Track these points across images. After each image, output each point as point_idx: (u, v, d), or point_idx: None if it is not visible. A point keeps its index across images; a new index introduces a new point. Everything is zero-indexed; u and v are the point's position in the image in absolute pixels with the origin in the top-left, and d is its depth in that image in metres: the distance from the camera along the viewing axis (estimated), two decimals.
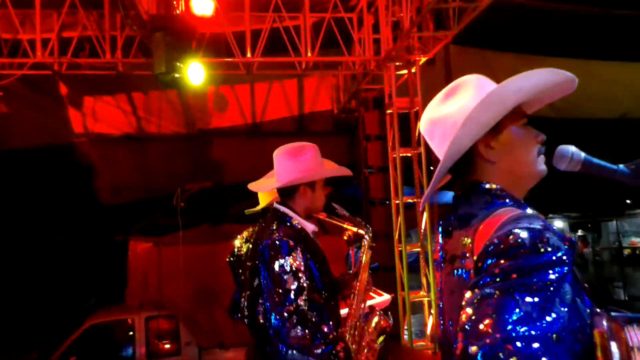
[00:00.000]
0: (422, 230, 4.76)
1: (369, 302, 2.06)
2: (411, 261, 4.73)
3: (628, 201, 18.23)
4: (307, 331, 1.75)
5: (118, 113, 6.74)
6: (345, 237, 2.28)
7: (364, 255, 2.07)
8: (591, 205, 18.02)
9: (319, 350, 1.74)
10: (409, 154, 4.85)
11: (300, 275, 1.84)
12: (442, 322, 1.06)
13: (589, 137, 7.79)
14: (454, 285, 0.98)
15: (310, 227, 2.06)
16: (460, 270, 0.96)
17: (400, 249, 4.55)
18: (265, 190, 2.19)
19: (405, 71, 4.91)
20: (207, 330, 5.46)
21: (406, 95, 4.86)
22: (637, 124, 7.10)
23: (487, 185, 1.05)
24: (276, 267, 1.83)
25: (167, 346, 5.31)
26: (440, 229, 1.12)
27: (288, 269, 1.83)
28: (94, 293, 8.91)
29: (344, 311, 2.04)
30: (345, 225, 2.22)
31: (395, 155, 4.78)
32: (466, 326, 0.82)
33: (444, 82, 5.29)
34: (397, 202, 4.69)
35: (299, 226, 2.00)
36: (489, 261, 0.87)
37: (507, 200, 1.00)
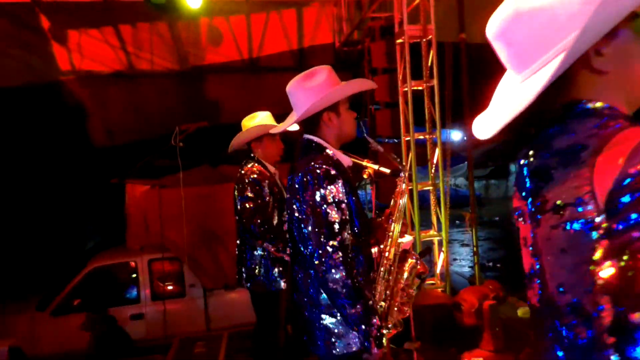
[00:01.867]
0: (433, 168, 4.58)
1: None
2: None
3: None
4: (350, 280, 1.61)
5: (106, 48, 6.31)
6: (365, 175, 2.09)
7: (400, 196, 1.87)
8: None
9: (353, 311, 1.62)
10: (421, 87, 4.56)
11: (343, 207, 1.68)
12: (540, 287, 0.86)
13: None
14: (564, 241, 0.78)
15: (346, 160, 1.86)
16: (576, 222, 0.75)
17: (410, 187, 4.37)
18: (285, 128, 1.99)
19: None
20: (211, 272, 5.39)
21: (417, 22, 4.50)
22: None
23: (592, 105, 0.82)
24: (317, 197, 1.66)
25: (172, 288, 5.26)
26: (526, 171, 0.90)
27: (330, 199, 1.66)
28: (93, 236, 8.84)
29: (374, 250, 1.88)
30: (364, 163, 2.03)
31: (406, 89, 4.49)
32: (619, 287, 0.63)
33: (458, 8, 4.92)
34: (408, 138, 4.46)
35: (335, 157, 1.80)
36: (627, 199, 0.66)
37: (621, 122, 0.77)
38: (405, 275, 1.80)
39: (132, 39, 6.34)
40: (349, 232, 1.67)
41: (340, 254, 1.61)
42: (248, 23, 6.58)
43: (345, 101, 1.85)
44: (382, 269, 1.80)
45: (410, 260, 1.82)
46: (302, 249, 1.78)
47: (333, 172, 1.70)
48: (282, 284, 2.98)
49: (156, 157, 5.61)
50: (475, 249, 4.60)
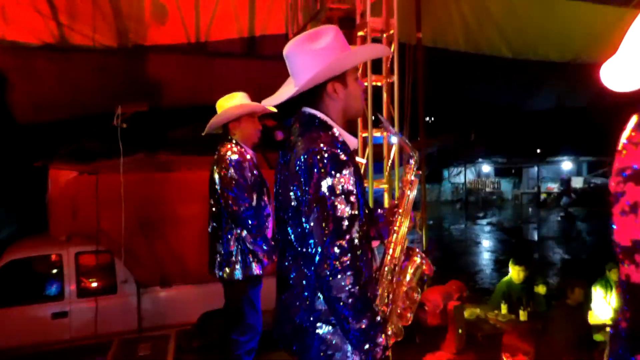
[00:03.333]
0: (388, 166, 4.49)
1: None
2: (376, 197, 4.47)
3: (538, 150, 19.50)
4: (357, 288, 1.38)
5: (35, 17, 5.67)
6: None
7: (409, 186, 1.67)
8: (515, 151, 19.02)
9: (357, 326, 1.40)
10: (380, 83, 4.46)
11: (353, 199, 1.44)
12: None
13: (538, 78, 7.85)
14: None
15: (353, 141, 1.62)
16: None
17: (366, 185, 4.25)
18: (281, 100, 1.70)
19: None
20: (147, 266, 5.00)
21: (379, 15, 4.39)
22: (583, 69, 7.16)
23: None
24: (324, 187, 1.42)
25: (101, 283, 4.80)
26: None
27: (340, 190, 1.42)
28: (7, 223, 8.00)
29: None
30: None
31: (365, 84, 4.37)
32: None
33: (416, 8, 4.84)
34: (365, 135, 4.34)
35: (342, 138, 1.56)
36: None
37: None
38: (409, 276, 1.61)
39: (65, 8, 5.74)
40: (359, 229, 1.43)
41: (348, 256, 1.37)
42: (197, 3, 6.19)
43: (354, 70, 1.62)
44: (385, 268, 1.58)
45: (415, 259, 1.62)
46: (297, 246, 1.52)
47: (343, 156, 1.45)
48: (257, 270, 2.88)
49: (90, 139, 5.12)
50: (425, 248, 4.58)
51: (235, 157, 2.86)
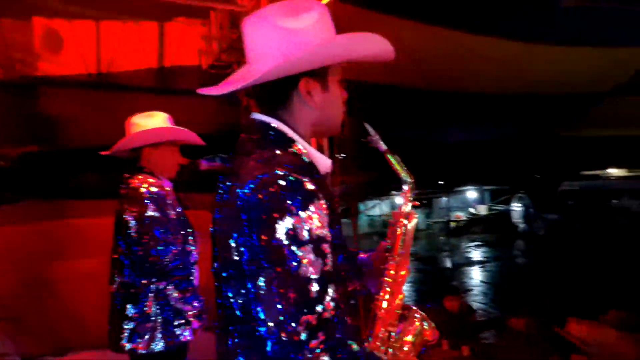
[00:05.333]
0: None
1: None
2: None
3: (440, 182, 20.64)
4: None
5: None
6: None
7: (403, 221, 1.28)
8: (426, 182, 19.86)
9: None
10: None
11: (325, 249, 1.00)
12: None
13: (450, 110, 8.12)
14: None
15: (324, 162, 1.18)
16: None
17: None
18: (227, 90, 1.17)
19: None
20: (37, 332, 4.20)
21: None
22: (491, 100, 7.53)
23: None
24: (280, 232, 0.97)
25: None
26: None
27: (305, 236, 0.97)
28: None
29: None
30: None
31: None
32: None
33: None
34: None
35: (308, 159, 1.13)
36: None
37: None
38: (407, 347, 1.19)
39: None
40: (334, 294, 0.99)
41: (320, 337, 0.94)
42: (98, 30, 5.60)
43: (339, 70, 1.19)
44: (378, 338, 1.16)
45: (415, 323, 1.22)
46: (243, 319, 1.05)
47: (310, 185, 1.01)
48: (185, 336, 2.24)
49: None
50: None
51: (154, 189, 2.27)
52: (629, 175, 20.60)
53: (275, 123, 1.13)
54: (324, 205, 1.03)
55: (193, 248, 2.38)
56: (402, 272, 1.24)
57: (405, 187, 1.31)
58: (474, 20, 5.98)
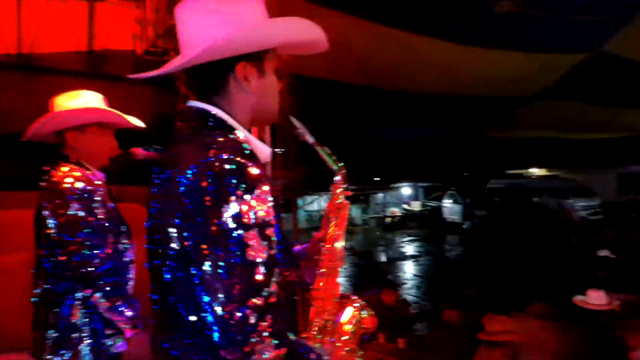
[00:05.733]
0: None
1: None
2: None
3: (377, 178, 21.21)
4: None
5: None
6: None
7: (337, 211, 1.29)
8: (363, 179, 20.26)
9: None
10: None
11: (269, 233, 0.99)
12: None
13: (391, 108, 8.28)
14: None
15: (264, 151, 1.16)
16: None
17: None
18: (157, 73, 1.14)
19: None
20: None
21: None
22: (431, 100, 7.76)
23: None
24: (226, 216, 0.94)
25: None
26: None
27: (251, 219, 0.95)
28: None
29: None
30: None
31: None
32: None
33: None
34: None
35: (248, 146, 1.09)
36: None
37: None
38: (346, 335, 1.19)
39: None
40: (278, 279, 0.99)
41: (268, 320, 0.93)
42: (18, 8, 5.16)
43: (275, 56, 1.18)
44: (314, 327, 1.16)
45: (353, 312, 1.23)
46: (183, 313, 1.01)
47: (254, 170, 0.99)
48: (117, 347, 1.99)
49: None
50: None
51: (80, 185, 1.98)
52: (548, 175, 22.12)
53: (214, 110, 1.11)
54: (268, 191, 1.02)
55: (127, 246, 2.15)
56: (337, 262, 1.26)
57: (337, 178, 1.33)
58: (414, 20, 6.11)
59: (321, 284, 1.22)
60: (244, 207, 0.96)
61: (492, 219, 19.06)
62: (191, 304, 1.00)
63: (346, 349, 1.20)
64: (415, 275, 12.71)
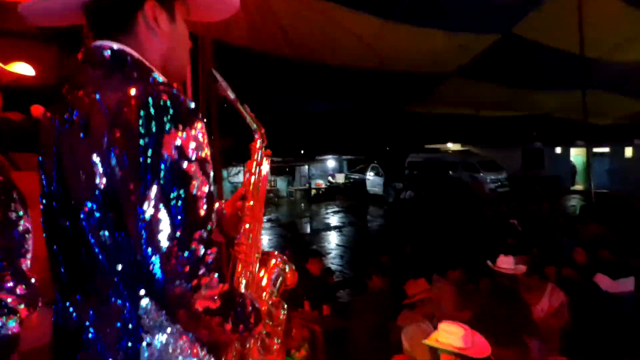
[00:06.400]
0: None
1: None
2: None
3: (302, 151, 21.42)
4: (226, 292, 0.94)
5: None
6: None
7: (256, 167, 1.30)
8: (288, 151, 20.29)
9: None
10: None
11: (209, 170, 0.97)
12: None
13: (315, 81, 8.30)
14: None
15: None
16: None
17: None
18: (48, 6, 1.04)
19: None
20: None
21: None
22: (353, 75, 7.86)
23: None
24: (169, 146, 0.91)
25: None
26: None
27: (194, 153, 0.93)
28: None
29: None
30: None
31: None
32: None
33: None
34: None
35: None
36: None
37: None
38: (269, 289, 1.23)
39: None
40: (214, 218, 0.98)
41: (213, 252, 0.92)
42: None
43: (185, 5, 1.13)
44: (239, 282, 1.18)
45: (275, 265, 1.27)
46: (106, 263, 0.95)
47: (190, 103, 0.95)
48: (10, 329, 1.71)
49: None
50: None
51: None
52: (462, 150, 23.43)
53: (130, 50, 1.02)
54: (204, 128, 0.97)
55: (21, 213, 1.81)
56: (259, 218, 1.28)
57: (256, 136, 1.34)
58: None
59: (245, 239, 1.24)
60: (185, 140, 0.91)
61: (411, 191, 19.94)
62: (122, 250, 0.93)
63: (270, 302, 1.24)
64: (338, 245, 13.09)
